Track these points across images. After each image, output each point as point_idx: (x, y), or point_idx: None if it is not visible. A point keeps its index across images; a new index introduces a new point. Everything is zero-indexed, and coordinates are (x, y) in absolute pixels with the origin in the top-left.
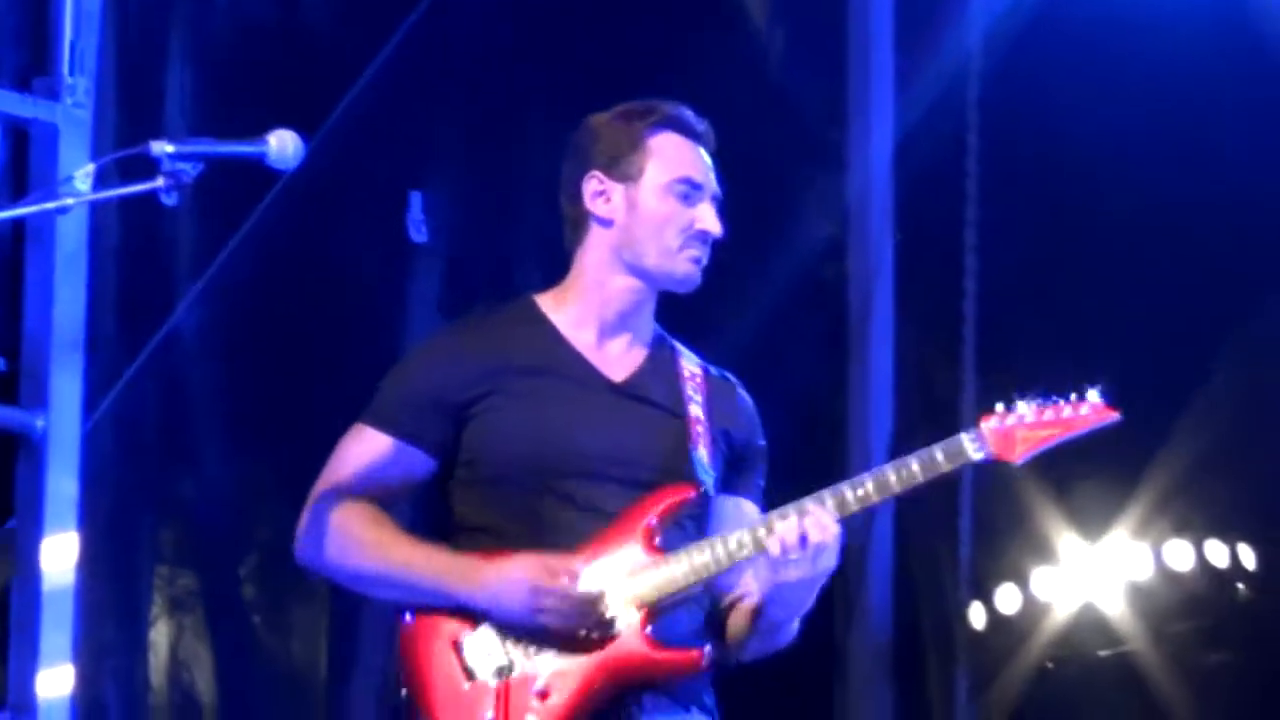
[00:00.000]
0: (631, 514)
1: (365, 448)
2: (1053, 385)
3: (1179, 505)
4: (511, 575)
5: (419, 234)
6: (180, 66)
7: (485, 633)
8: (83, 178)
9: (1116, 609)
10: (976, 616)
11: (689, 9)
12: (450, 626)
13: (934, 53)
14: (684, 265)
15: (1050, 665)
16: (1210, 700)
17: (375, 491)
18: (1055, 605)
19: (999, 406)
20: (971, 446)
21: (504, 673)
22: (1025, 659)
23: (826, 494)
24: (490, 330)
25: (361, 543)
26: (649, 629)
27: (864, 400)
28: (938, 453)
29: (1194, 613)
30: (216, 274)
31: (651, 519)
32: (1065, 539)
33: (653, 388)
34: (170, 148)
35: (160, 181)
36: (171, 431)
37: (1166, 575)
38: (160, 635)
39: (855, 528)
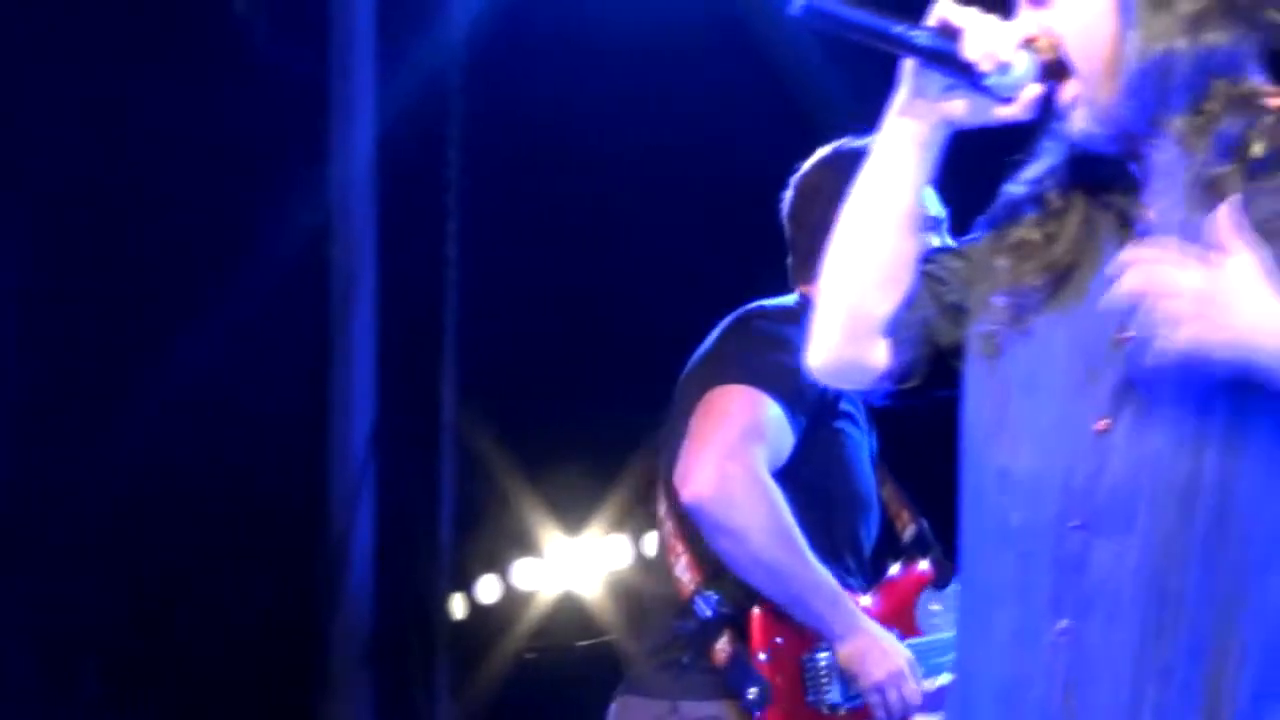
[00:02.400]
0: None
1: (776, 424)
2: (534, 374)
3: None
4: (894, 653)
5: None
6: None
7: (825, 661)
8: None
9: (596, 599)
10: (457, 607)
11: None
12: (797, 640)
13: (417, 40)
14: None
15: (530, 655)
16: None
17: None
18: (536, 596)
19: None
20: None
21: (836, 709)
22: (506, 649)
23: None
24: None
25: (796, 544)
26: None
27: (346, 389)
28: None
29: None
30: None
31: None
32: (546, 530)
33: None
34: None
35: None
36: None
37: (646, 566)
38: None
39: (338, 514)
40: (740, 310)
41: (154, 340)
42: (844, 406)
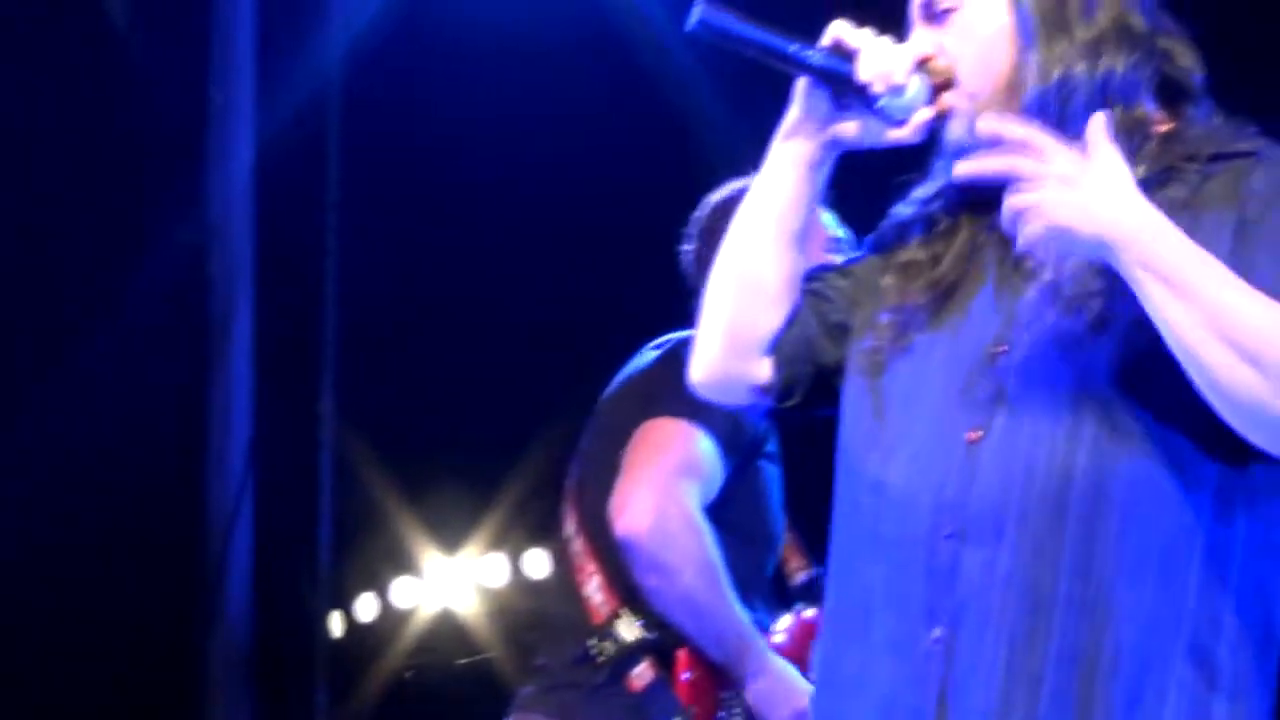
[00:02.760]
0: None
1: (710, 461)
2: (412, 394)
3: (536, 514)
4: (800, 695)
5: None
6: None
7: (735, 696)
8: None
9: (475, 618)
10: (335, 625)
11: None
12: (714, 678)
13: (297, 55)
14: None
15: (409, 674)
16: None
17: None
18: (414, 614)
19: None
20: None
21: None
22: (384, 668)
23: None
24: None
25: (721, 585)
26: None
27: (225, 407)
28: None
29: None
30: None
31: None
32: (423, 548)
33: None
34: None
35: None
36: None
37: (524, 584)
38: None
39: (216, 531)
40: (674, 339)
41: (27, 358)
42: (770, 447)
